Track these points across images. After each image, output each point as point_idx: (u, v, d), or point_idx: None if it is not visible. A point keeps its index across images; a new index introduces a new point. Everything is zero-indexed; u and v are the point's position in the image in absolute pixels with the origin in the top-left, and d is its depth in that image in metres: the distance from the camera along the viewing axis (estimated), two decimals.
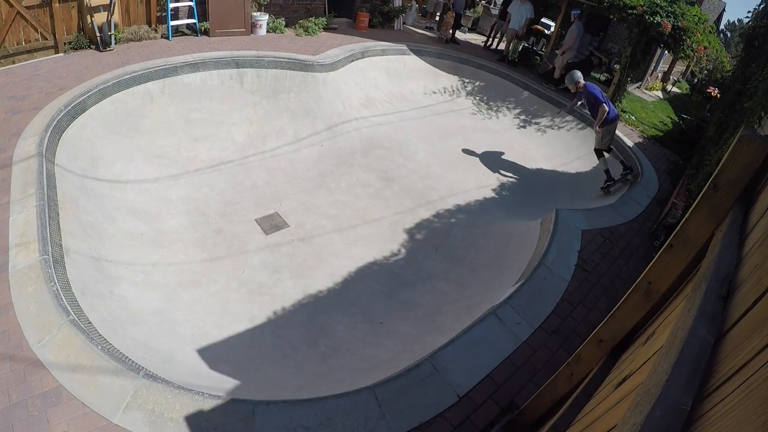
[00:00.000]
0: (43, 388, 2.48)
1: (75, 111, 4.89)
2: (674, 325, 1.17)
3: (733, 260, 1.24)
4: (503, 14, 10.47)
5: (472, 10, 12.42)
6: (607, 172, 6.18)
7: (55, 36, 6.16)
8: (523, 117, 8.35)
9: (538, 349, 3.36)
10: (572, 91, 6.36)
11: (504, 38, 10.70)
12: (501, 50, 10.29)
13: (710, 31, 7.48)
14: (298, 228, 4.99)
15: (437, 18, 11.91)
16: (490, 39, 10.88)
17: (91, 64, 5.97)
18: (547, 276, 3.96)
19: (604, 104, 5.87)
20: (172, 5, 7.14)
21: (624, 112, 8.54)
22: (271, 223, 4.99)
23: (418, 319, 4.05)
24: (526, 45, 9.84)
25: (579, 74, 6.25)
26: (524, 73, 9.27)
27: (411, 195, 5.86)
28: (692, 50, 7.16)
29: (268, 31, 8.30)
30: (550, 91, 8.61)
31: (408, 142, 7.06)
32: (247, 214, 5.06)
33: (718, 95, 10.31)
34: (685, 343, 1.00)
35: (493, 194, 6.20)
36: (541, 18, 11.39)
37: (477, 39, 11.71)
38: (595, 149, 6.31)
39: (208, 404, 2.51)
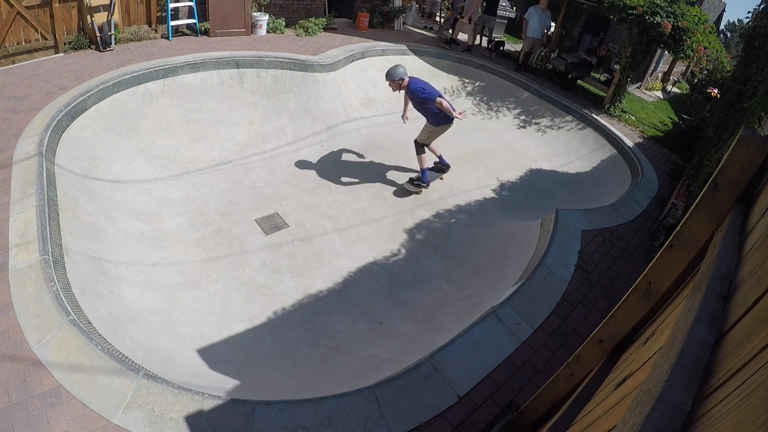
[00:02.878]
0: (42, 388, 2.48)
1: (75, 111, 4.90)
2: (674, 325, 1.17)
3: (733, 260, 1.24)
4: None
5: None
6: (424, 170, 5.81)
7: (55, 36, 6.17)
8: (523, 117, 8.35)
9: (538, 349, 3.36)
10: (393, 90, 5.43)
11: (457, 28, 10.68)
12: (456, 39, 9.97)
13: (710, 32, 7.48)
14: (298, 228, 4.99)
15: (438, 19, 11.91)
16: (444, 27, 10.44)
17: (91, 64, 5.98)
18: (547, 276, 3.96)
19: (440, 97, 5.17)
20: (172, 5, 7.14)
21: (624, 112, 8.55)
22: (271, 223, 4.99)
23: (418, 319, 4.05)
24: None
25: (402, 69, 5.24)
26: (525, 74, 9.27)
27: (411, 195, 5.86)
28: (692, 50, 7.16)
29: (268, 32, 8.30)
30: (550, 91, 8.61)
31: (408, 143, 7.04)
32: (247, 214, 5.07)
33: (718, 95, 10.31)
34: (685, 343, 1.00)
35: (493, 194, 6.20)
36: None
37: (477, 40, 11.68)
38: (418, 141, 5.78)
39: (208, 404, 2.51)
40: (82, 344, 2.66)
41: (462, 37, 10.01)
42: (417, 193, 5.73)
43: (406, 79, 5.30)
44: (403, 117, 5.97)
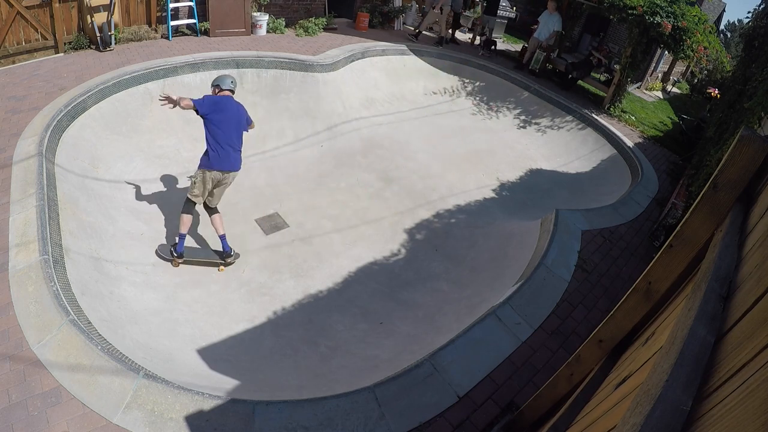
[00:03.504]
0: (42, 388, 2.48)
1: (75, 111, 4.89)
2: (674, 325, 1.17)
3: (733, 260, 1.24)
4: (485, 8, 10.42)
5: (471, 10, 12.41)
6: (181, 236, 4.06)
7: (55, 36, 6.16)
8: (523, 117, 8.36)
9: (538, 349, 3.36)
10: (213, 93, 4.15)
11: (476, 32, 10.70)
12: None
13: (710, 32, 7.49)
14: (298, 228, 4.99)
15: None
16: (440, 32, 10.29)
17: (91, 64, 5.97)
18: (547, 276, 3.96)
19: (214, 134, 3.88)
20: (172, 5, 7.14)
21: (624, 112, 8.55)
22: (271, 224, 4.99)
23: (418, 319, 4.05)
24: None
25: (228, 80, 4.12)
26: (525, 74, 9.27)
27: (411, 195, 5.86)
28: (692, 50, 7.16)
29: (268, 32, 8.29)
30: (550, 91, 8.61)
31: (408, 143, 7.06)
32: (247, 214, 5.06)
33: (718, 95, 10.31)
34: (685, 343, 1.00)
35: (493, 194, 6.20)
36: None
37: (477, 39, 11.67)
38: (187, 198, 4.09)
39: (208, 404, 2.51)
40: (82, 344, 2.66)
41: (436, 28, 9.94)
42: (171, 262, 4.14)
43: (225, 92, 4.07)
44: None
